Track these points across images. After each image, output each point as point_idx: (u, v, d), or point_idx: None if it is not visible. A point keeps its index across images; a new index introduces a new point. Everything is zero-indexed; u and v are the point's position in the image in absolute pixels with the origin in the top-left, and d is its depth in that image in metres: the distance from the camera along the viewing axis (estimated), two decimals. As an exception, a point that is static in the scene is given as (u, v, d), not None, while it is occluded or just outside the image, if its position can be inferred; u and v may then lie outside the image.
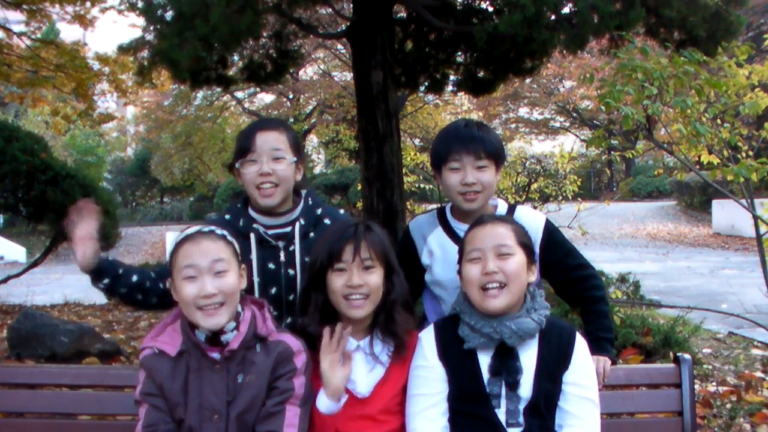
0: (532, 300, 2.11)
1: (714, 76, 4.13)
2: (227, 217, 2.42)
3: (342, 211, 2.57)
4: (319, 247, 2.11)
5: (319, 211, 2.42)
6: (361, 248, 2.05)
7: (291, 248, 2.35)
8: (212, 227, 2.06)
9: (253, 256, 2.31)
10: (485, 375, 2.06)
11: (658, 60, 3.93)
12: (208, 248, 1.98)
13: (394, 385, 2.11)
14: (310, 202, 2.43)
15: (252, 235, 2.34)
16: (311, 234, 2.37)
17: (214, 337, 1.98)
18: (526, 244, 2.11)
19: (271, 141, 2.33)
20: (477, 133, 2.33)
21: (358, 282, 2.03)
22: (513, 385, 2.03)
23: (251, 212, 2.40)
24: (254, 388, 1.97)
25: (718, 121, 4.49)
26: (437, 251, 2.42)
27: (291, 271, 2.34)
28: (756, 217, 4.47)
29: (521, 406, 2.03)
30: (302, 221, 2.37)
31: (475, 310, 2.08)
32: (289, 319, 2.34)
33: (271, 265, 2.34)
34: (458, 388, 2.07)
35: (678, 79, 3.92)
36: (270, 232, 2.35)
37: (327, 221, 2.41)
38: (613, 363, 2.36)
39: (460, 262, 2.15)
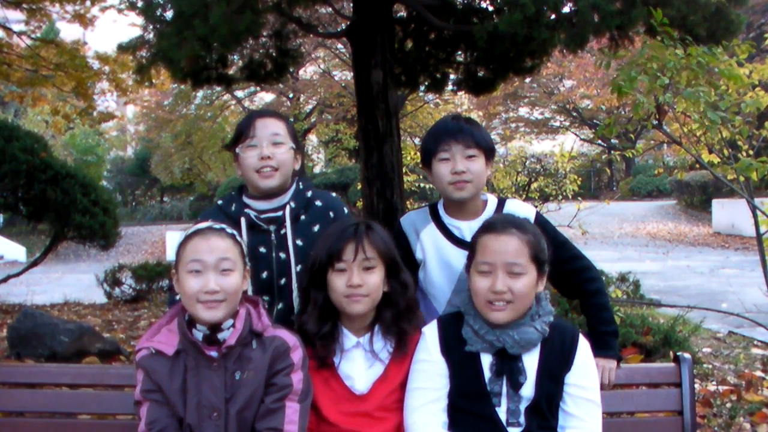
0: (537, 305, 2.10)
1: (715, 74, 4.13)
2: (220, 202, 2.45)
3: (334, 194, 2.56)
4: (320, 245, 2.12)
5: (309, 193, 2.43)
6: (362, 248, 2.05)
7: (282, 231, 2.35)
8: (223, 225, 2.07)
9: (244, 240, 2.30)
10: (487, 374, 2.06)
11: (674, 51, 3.92)
12: (216, 245, 1.98)
13: (392, 382, 2.12)
14: (301, 186, 2.44)
15: (243, 220, 2.34)
16: (302, 217, 2.38)
17: (212, 336, 1.98)
18: (538, 257, 2.06)
19: (270, 126, 2.36)
20: (465, 125, 2.36)
21: (357, 282, 2.04)
22: (516, 385, 2.03)
23: (245, 198, 2.42)
24: (252, 384, 1.97)
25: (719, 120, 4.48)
26: (430, 249, 2.42)
27: (282, 255, 2.34)
28: (755, 209, 4.45)
29: (522, 406, 2.03)
30: (292, 204, 2.38)
31: (480, 315, 2.08)
32: (280, 305, 2.34)
33: (262, 249, 2.34)
34: (459, 385, 2.08)
35: (692, 71, 3.90)
36: (261, 216, 2.37)
37: (318, 203, 2.43)
38: (619, 362, 2.35)
39: (469, 261, 2.13)
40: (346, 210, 2.48)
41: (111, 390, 2.38)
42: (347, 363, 2.11)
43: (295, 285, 2.32)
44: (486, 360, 2.07)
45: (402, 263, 2.15)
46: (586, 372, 2.09)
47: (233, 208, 2.38)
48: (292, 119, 22.20)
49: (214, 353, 1.98)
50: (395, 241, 2.40)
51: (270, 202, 2.38)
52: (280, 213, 2.37)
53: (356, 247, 2.05)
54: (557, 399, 2.07)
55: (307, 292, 2.13)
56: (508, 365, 2.05)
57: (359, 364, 2.11)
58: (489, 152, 2.37)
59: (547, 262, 2.11)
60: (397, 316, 2.11)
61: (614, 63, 5.15)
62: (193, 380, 1.97)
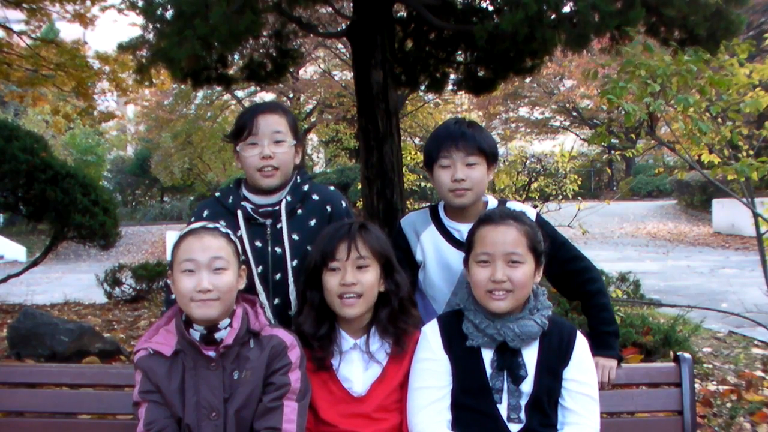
0: (535, 299, 2.12)
1: (716, 74, 4.13)
2: (217, 194, 2.43)
3: (332, 188, 2.53)
4: (315, 247, 2.12)
5: (306, 187, 2.41)
6: (355, 246, 2.05)
7: (278, 225, 2.34)
8: (217, 225, 2.07)
9: (242, 233, 2.30)
10: (488, 369, 2.07)
11: (662, 57, 3.93)
12: (209, 244, 1.98)
13: (390, 383, 2.12)
14: (299, 180, 2.42)
15: (239, 213, 2.33)
16: (299, 211, 2.37)
17: (209, 336, 1.98)
18: (535, 247, 2.09)
19: (272, 124, 2.33)
20: (467, 130, 2.34)
21: (351, 280, 2.04)
22: (516, 380, 2.04)
23: (244, 191, 2.40)
24: (250, 384, 1.98)
25: (719, 120, 4.49)
26: (430, 251, 2.41)
27: (278, 249, 2.33)
28: (756, 215, 4.46)
29: (523, 402, 2.05)
30: (289, 198, 2.37)
31: (480, 308, 2.09)
32: (276, 300, 2.33)
33: (258, 243, 2.33)
34: (462, 382, 2.08)
35: (681, 77, 3.91)
36: (258, 210, 2.35)
37: (315, 197, 2.41)
38: (620, 362, 2.35)
39: (467, 255, 2.14)
40: (344, 203, 2.46)
41: (111, 390, 2.38)
42: (346, 365, 2.11)
43: (291, 280, 2.31)
44: (487, 356, 2.08)
45: (397, 263, 2.15)
46: (583, 367, 2.11)
47: (230, 200, 2.38)
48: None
49: (212, 353, 1.98)
50: (395, 242, 2.40)
51: (269, 197, 2.38)
52: (277, 207, 2.36)
53: (349, 245, 2.05)
54: (557, 395, 2.08)
55: (303, 293, 2.13)
56: (509, 360, 2.06)
57: (357, 366, 2.11)
58: (491, 157, 2.36)
59: (543, 254, 2.13)
60: (393, 315, 2.11)
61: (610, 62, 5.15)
62: (192, 380, 1.97)
